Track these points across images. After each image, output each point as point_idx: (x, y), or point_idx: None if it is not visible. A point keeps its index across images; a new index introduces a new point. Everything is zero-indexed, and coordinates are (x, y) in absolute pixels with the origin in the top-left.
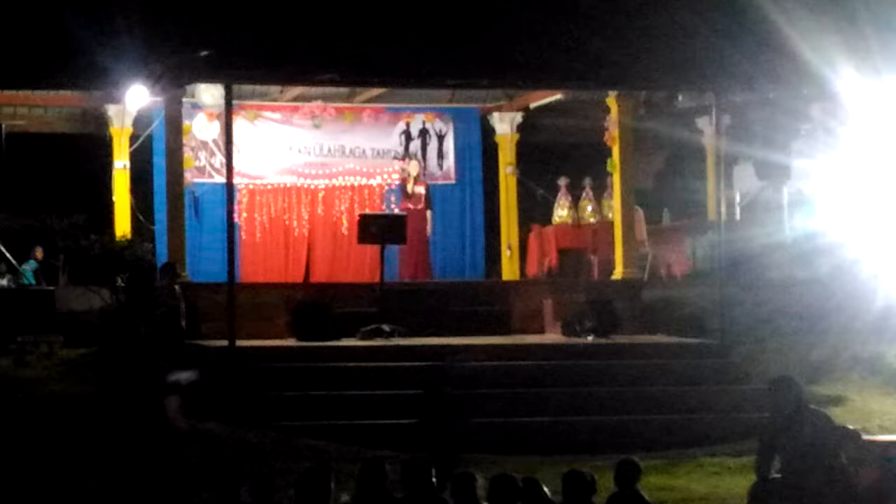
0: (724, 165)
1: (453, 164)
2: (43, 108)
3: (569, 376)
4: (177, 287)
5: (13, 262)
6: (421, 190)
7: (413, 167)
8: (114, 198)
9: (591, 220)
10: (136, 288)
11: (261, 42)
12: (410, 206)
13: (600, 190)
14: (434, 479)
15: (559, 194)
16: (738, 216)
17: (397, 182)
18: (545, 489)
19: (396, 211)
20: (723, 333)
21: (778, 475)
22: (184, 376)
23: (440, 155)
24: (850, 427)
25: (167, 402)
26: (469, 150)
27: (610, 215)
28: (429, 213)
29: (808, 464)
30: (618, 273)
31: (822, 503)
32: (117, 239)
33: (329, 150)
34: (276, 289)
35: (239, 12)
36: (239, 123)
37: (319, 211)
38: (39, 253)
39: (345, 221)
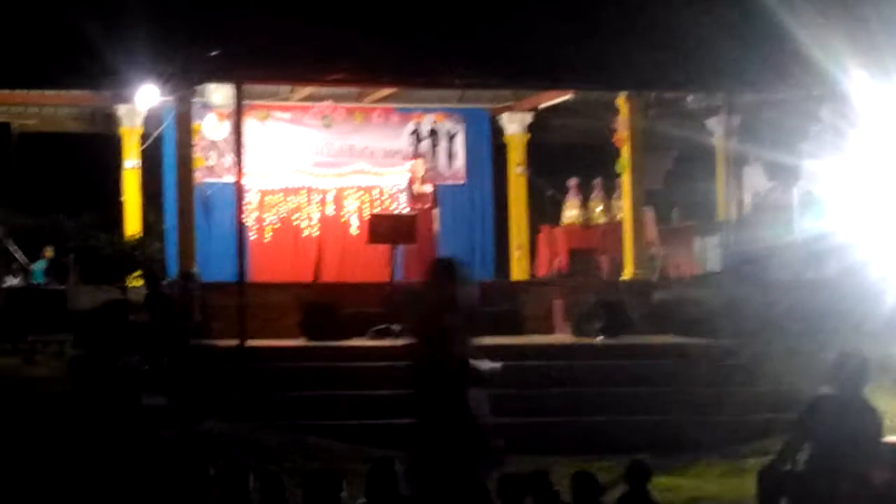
0: (733, 166)
1: (463, 165)
2: (53, 108)
3: (578, 377)
4: (193, 286)
5: (24, 261)
6: (427, 189)
7: (418, 167)
8: (124, 197)
9: (601, 220)
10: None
11: (271, 42)
12: (418, 205)
13: (610, 190)
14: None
15: (569, 195)
16: (747, 217)
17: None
18: (552, 481)
19: (405, 211)
20: (732, 334)
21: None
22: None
23: (450, 155)
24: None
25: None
26: (479, 150)
27: (619, 216)
28: (436, 211)
29: (836, 458)
30: (627, 273)
31: (836, 502)
32: (127, 238)
33: (339, 151)
34: (286, 288)
35: (249, 12)
36: (249, 123)
37: (329, 211)
38: (50, 252)
39: (354, 221)
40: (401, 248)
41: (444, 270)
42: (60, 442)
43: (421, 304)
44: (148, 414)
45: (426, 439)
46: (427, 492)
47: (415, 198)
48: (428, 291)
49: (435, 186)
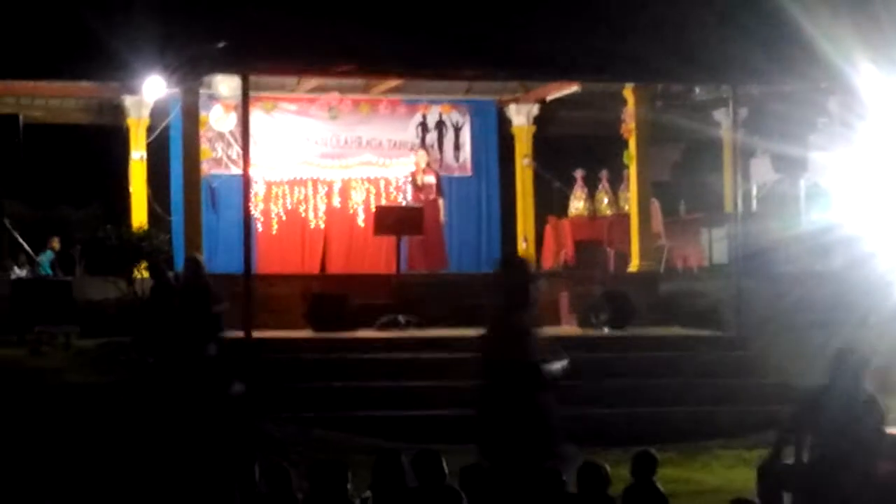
0: (740, 158)
1: (469, 156)
2: (60, 100)
3: (585, 368)
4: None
5: (30, 252)
6: (431, 179)
7: (421, 157)
8: (131, 189)
9: (608, 212)
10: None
11: (278, 33)
12: (422, 196)
13: (617, 182)
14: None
15: (575, 186)
16: (754, 209)
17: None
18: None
19: (410, 202)
20: (738, 326)
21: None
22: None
23: (456, 147)
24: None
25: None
26: (485, 142)
27: (626, 207)
28: (441, 202)
29: (840, 451)
30: (634, 265)
31: (840, 493)
32: (134, 230)
33: (345, 142)
34: (293, 280)
35: (256, 3)
36: (255, 115)
37: (336, 202)
38: (56, 243)
39: (361, 213)
40: (405, 239)
41: (518, 266)
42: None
43: (496, 298)
44: (235, 402)
45: (492, 437)
46: (487, 489)
47: (418, 189)
48: (500, 287)
49: (438, 177)
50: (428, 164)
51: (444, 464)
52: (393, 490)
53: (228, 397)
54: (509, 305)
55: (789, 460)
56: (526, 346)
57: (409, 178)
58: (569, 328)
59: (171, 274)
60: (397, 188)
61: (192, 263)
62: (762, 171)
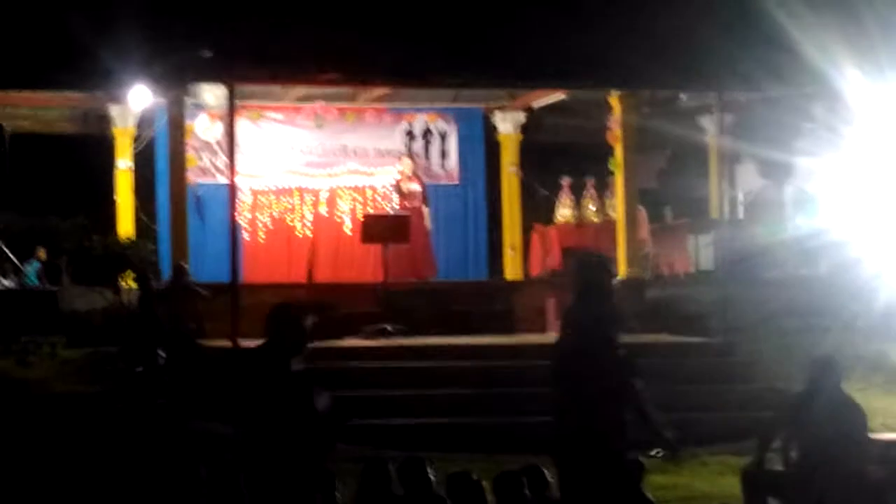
0: (726, 164)
1: (456, 164)
2: (46, 109)
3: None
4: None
5: (16, 262)
6: (416, 187)
7: (406, 165)
8: (117, 198)
9: (594, 219)
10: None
11: (263, 42)
12: (407, 204)
13: (603, 189)
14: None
15: (562, 193)
16: (740, 215)
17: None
18: (546, 474)
19: (397, 210)
20: (725, 332)
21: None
22: None
23: (443, 155)
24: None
25: None
26: (472, 149)
27: (613, 214)
28: (426, 209)
29: (828, 456)
30: (621, 272)
31: (826, 499)
32: (120, 239)
33: (331, 151)
34: (279, 289)
35: (241, 13)
36: (241, 124)
37: (322, 211)
38: (42, 253)
39: (348, 221)
40: (392, 247)
41: (600, 266)
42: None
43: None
44: (320, 415)
45: (572, 444)
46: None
47: (404, 196)
48: (578, 288)
49: (423, 185)
50: (413, 172)
51: (431, 471)
52: (380, 498)
53: (316, 413)
54: (588, 306)
55: (775, 466)
56: (609, 349)
57: (395, 186)
58: (556, 335)
59: (157, 283)
60: (384, 196)
61: (176, 270)
62: (748, 177)
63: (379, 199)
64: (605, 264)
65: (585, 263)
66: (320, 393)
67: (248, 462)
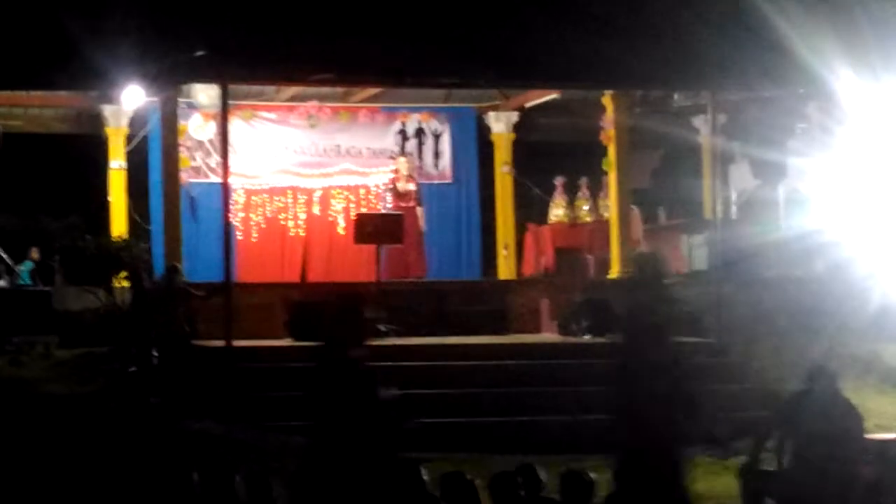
0: (719, 164)
1: (449, 164)
2: (38, 109)
3: (565, 375)
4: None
5: (9, 262)
6: (411, 187)
7: (402, 165)
8: (110, 198)
9: (588, 219)
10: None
11: (256, 42)
12: (402, 204)
13: (596, 189)
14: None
15: (555, 193)
16: (733, 215)
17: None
18: (540, 474)
19: (390, 210)
20: (719, 332)
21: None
22: None
23: (436, 154)
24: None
25: None
26: (465, 149)
27: (606, 214)
28: (420, 209)
29: (823, 456)
30: (614, 272)
31: (822, 499)
32: (113, 239)
33: (325, 150)
34: (272, 289)
35: (234, 12)
36: (235, 123)
37: (315, 211)
38: (35, 253)
39: (341, 221)
40: (385, 247)
41: (655, 266)
42: None
43: (634, 303)
44: (386, 407)
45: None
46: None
47: (398, 196)
48: (636, 287)
49: (418, 185)
50: (409, 172)
51: (424, 472)
52: None
53: (382, 405)
54: (643, 305)
55: (771, 467)
56: (667, 345)
57: (390, 186)
58: (550, 335)
59: (150, 281)
60: (377, 196)
61: (169, 271)
62: (741, 177)
63: (372, 198)
64: (659, 262)
65: (642, 262)
66: (384, 387)
67: (318, 456)
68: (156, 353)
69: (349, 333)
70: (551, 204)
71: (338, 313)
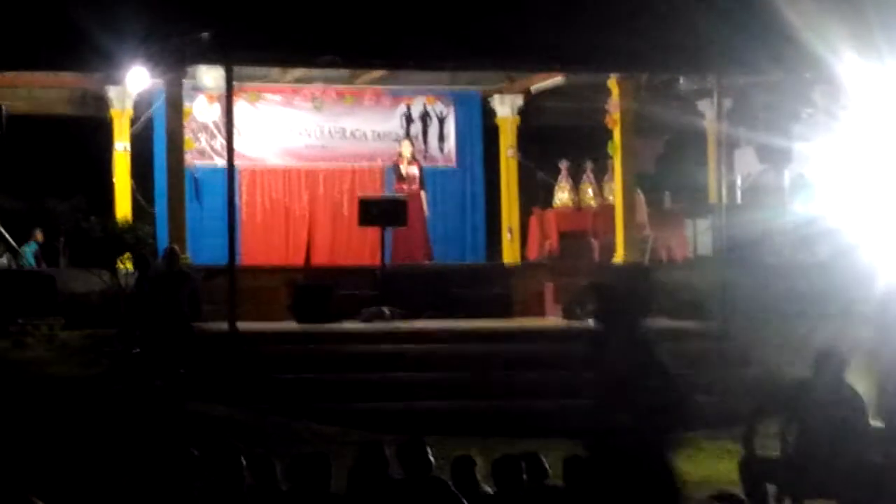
0: (725, 149)
1: (454, 148)
2: (43, 90)
3: (570, 359)
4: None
5: (13, 244)
6: (414, 171)
7: (405, 148)
8: (114, 180)
9: (592, 203)
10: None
11: (262, 24)
12: (405, 187)
13: (601, 173)
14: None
15: (560, 177)
16: (739, 200)
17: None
18: (544, 460)
19: (394, 193)
20: (723, 317)
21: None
22: None
23: (441, 138)
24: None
25: None
26: (470, 133)
27: (611, 198)
28: (423, 193)
29: (827, 443)
30: (619, 256)
31: (825, 486)
32: (118, 221)
33: (330, 133)
34: (277, 271)
35: None
36: (239, 105)
37: (320, 193)
38: (40, 235)
39: (345, 204)
40: (389, 230)
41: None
42: None
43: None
44: (675, 381)
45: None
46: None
47: (401, 179)
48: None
49: (421, 168)
50: (412, 155)
51: (430, 454)
52: (375, 482)
53: (671, 376)
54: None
55: (774, 453)
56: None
57: (394, 167)
58: (554, 319)
59: (154, 263)
60: (381, 179)
61: (168, 254)
62: (747, 161)
63: (377, 181)
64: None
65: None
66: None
67: (606, 430)
68: (160, 336)
69: (637, 306)
70: (556, 188)
71: (628, 286)
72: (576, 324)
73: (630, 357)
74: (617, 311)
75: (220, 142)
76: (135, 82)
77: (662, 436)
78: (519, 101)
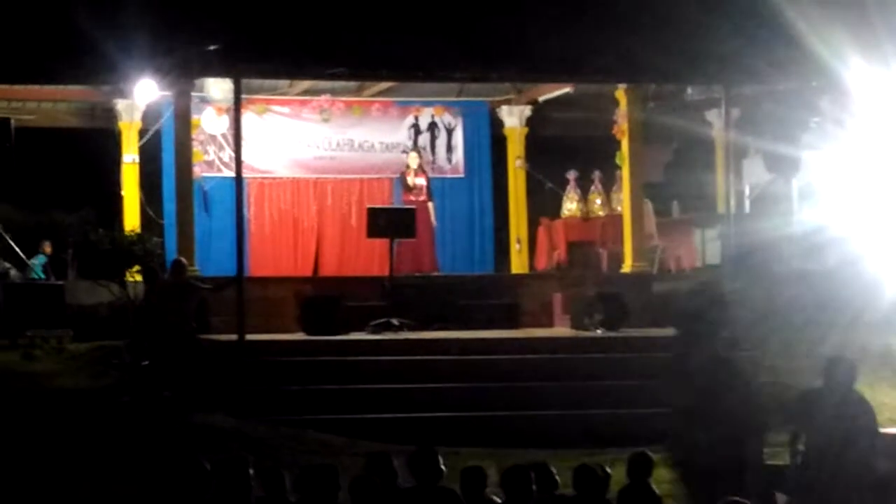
0: (733, 158)
1: (462, 158)
2: (52, 103)
3: (578, 369)
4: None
5: (22, 256)
6: (421, 181)
7: (412, 159)
8: (123, 192)
9: (601, 213)
10: None
11: (269, 36)
12: (412, 198)
13: (609, 183)
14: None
15: (568, 187)
16: (747, 209)
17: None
18: (553, 471)
19: (402, 204)
20: (732, 326)
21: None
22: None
23: (449, 149)
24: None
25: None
26: (478, 143)
27: (619, 208)
28: (430, 204)
29: (836, 450)
30: (627, 266)
31: (835, 493)
32: (126, 233)
33: (338, 144)
34: (285, 283)
35: (247, 6)
36: (248, 117)
37: (328, 205)
38: (48, 247)
39: (353, 215)
40: (397, 241)
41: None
42: None
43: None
44: (753, 395)
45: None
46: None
47: (409, 190)
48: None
49: (428, 179)
50: (419, 166)
51: (441, 462)
52: (382, 493)
53: (750, 391)
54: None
55: (783, 461)
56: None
57: (401, 178)
58: (562, 329)
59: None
60: (390, 190)
61: (175, 266)
62: (755, 171)
63: (385, 192)
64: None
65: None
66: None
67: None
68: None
69: (713, 324)
70: (564, 198)
71: (703, 304)
72: (585, 333)
73: (710, 376)
74: (698, 333)
75: (228, 153)
76: (143, 95)
77: (739, 451)
78: (527, 111)
